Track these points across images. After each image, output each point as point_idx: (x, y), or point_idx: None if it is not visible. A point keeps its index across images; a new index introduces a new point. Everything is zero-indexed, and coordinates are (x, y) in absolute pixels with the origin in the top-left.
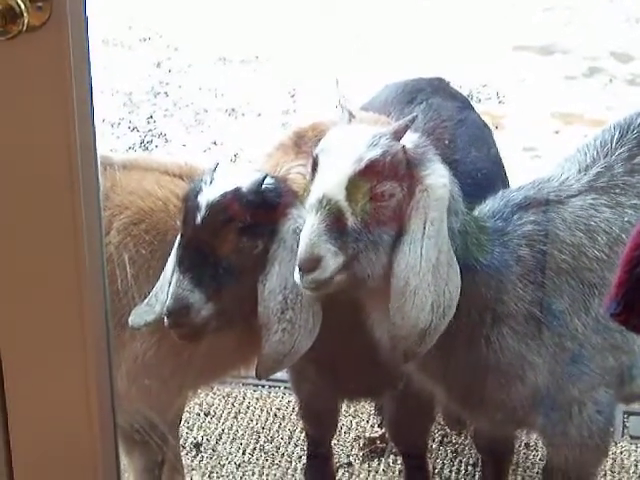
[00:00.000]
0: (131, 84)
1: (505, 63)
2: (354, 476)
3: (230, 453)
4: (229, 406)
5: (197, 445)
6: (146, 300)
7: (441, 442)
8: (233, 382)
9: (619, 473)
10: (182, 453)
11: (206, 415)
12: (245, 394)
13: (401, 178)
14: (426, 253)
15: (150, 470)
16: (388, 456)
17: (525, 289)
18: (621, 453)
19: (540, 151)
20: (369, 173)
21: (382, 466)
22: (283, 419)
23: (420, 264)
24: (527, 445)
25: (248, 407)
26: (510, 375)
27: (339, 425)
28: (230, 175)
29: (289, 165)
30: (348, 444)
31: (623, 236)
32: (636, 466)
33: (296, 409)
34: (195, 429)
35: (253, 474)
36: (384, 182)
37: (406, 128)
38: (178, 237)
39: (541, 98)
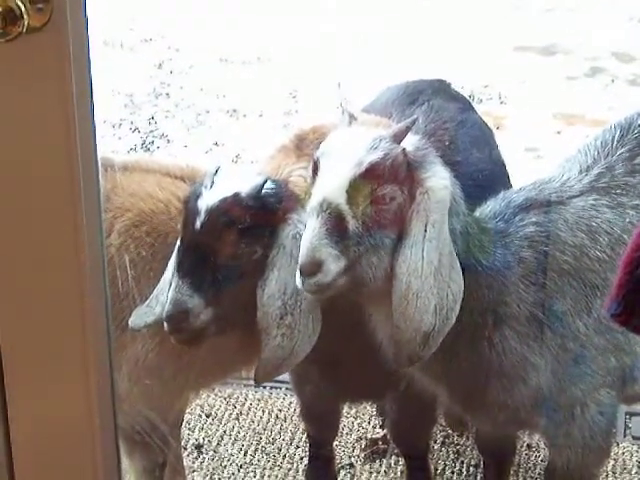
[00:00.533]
0: (132, 85)
1: (506, 64)
2: (356, 477)
3: (231, 454)
4: (230, 407)
5: (198, 446)
6: (146, 302)
7: (443, 443)
8: (234, 383)
9: (621, 474)
10: (183, 454)
11: (207, 416)
12: (247, 395)
13: (402, 181)
14: (428, 256)
15: (151, 471)
16: (390, 457)
17: (527, 290)
18: (623, 454)
19: (542, 151)
20: (370, 176)
21: (384, 467)
22: (285, 420)
23: (422, 267)
24: (529, 446)
25: (250, 408)
26: (512, 376)
27: (341, 426)
28: (230, 179)
29: (290, 168)
30: (350, 445)
31: (625, 237)
32: (638, 467)
33: (298, 410)
34: (196, 430)
35: (255, 475)
36: (385, 185)
37: (406, 131)
38: (178, 241)
39: (543, 98)
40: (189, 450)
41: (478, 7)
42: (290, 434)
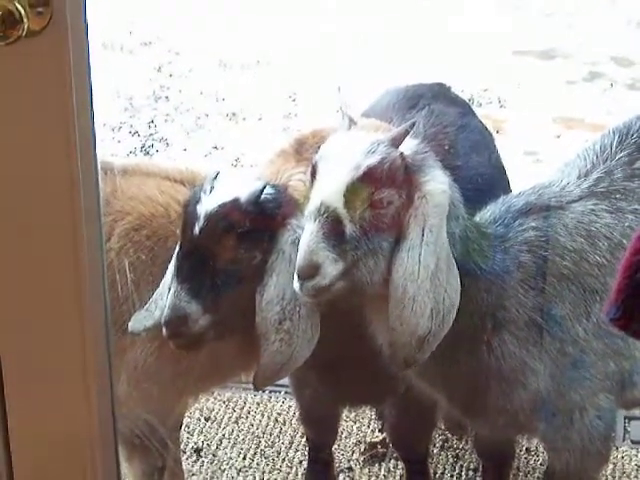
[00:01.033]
0: (132, 88)
1: (506, 68)
2: None
3: (231, 458)
4: (230, 411)
5: (198, 450)
6: (146, 306)
7: (442, 447)
8: (234, 387)
9: (620, 478)
10: (183, 458)
11: (207, 420)
12: (246, 399)
13: (399, 185)
14: (424, 260)
15: (150, 475)
16: (389, 461)
17: (526, 295)
18: (622, 458)
19: (541, 155)
20: (367, 180)
21: (383, 471)
22: (284, 424)
23: (418, 271)
24: (528, 450)
25: (249, 412)
26: (511, 381)
27: (340, 430)
28: (229, 184)
29: (290, 172)
30: (349, 449)
31: (624, 241)
32: (637, 471)
33: (297, 414)
34: (196, 434)
35: (254, 479)
36: (382, 189)
37: (405, 135)
38: (177, 246)
39: (542, 103)
40: (188, 454)
41: (477, 11)
42: (289, 438)
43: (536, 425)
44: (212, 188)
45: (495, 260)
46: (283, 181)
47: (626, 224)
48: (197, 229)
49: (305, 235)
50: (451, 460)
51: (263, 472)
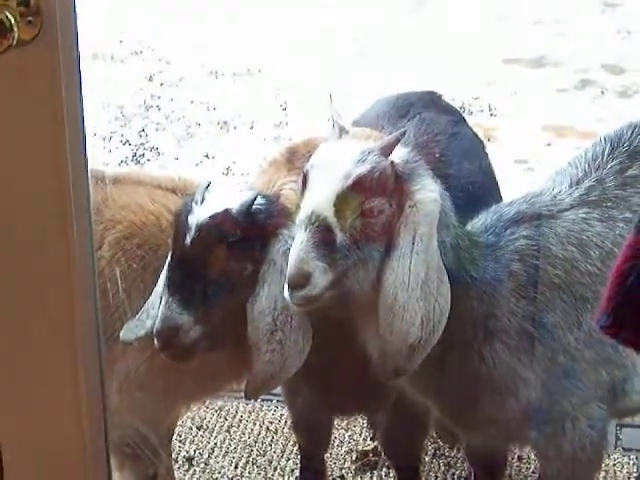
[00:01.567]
0: (123, 98)
1: (496, 76)
2: None
3: (223, 467)
4: (221, 420)
5: (189, 459)
6: (137, 315)
7: (434, 455)
8: (225, 396)
9: None
10: (174, 467)
11: (198, 429)
12: (237, 407)
13: (390, 194)
14: (415, 269)
15: None
16: (381, 469)
17: (517, 304)
18: (614, 465)
19: (532, 163)
20: (357, 189)
21: (375, 479)
22: (276, 433)
23: (408, 280)
24: (520, 458)
25: (240, 421)
26: (503, 390)
27: (332, 438)
28: (220, 195)
29: (282, 181)
30: (341, 457)
31: (615, 250)
32: (629, 478)
33: (289, 422)
34: (187, 443)
35: None
36: (372, 198)
37: (395, 144)
38: (169, 257)
39: (533, 111)
40: (180, 463)
41: (468, 19)
42: (281, 446)
43: (528, 434)
44: (203, 199)
45: (486, 269)
46: (275, 190)
47: (617, 232)
48: (188, 240)
49: (296, 244)
50: (443, 468)
51: None
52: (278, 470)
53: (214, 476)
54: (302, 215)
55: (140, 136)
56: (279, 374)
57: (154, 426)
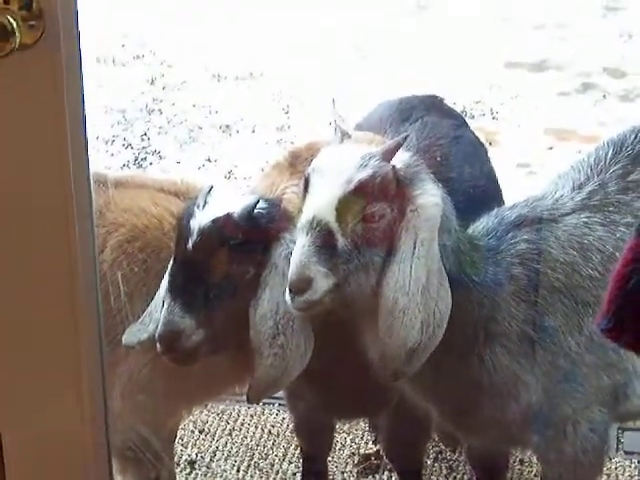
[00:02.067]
0: (125, 101)
1: (498, 80)
2: None
3: (224, 470)
4: (223, 423)
5: (191, 462)
6: (140, 319)
7: (435, 458)
8: (227, 399)
9: None
10: (176, 471)
11: (200, 432)
12: (239, 411)
13: (391, 199)
14: (415, 273)
15: None
16: (383, 473)
17: (518, 308)
18: (616, 469)
19: (534, 167)
20: (359, 194)
21: None
22: (277, 436)
23: (409, 284)
24: (522, 461)
25: (242, 424)
26: (503, 394)
27: (334, 442)
28: (223, 199)
29: (284, 185)
30: (342, 461)
31: (617, 254)
32: None
33: (291, 426)
34: (189, 446)
35: None
36: (374, 203)
37: (396, 148)
38: (171, 261)
39: (535, 114)
40: (182, 466)
41: (469, 23)
42: (283, 450)
43: (529, 438)
44: (206, 203)
45: (487, 273)
46: (278, 194)
47: (619, 236)
48: (190, 244)
49: (297, 248)
50: (445, 472)
51: None
52: (280, 474)
53: (216, 479)
54: (304, 219)
55: (142, 140)
56: (281, 378)
57: (156, 429)
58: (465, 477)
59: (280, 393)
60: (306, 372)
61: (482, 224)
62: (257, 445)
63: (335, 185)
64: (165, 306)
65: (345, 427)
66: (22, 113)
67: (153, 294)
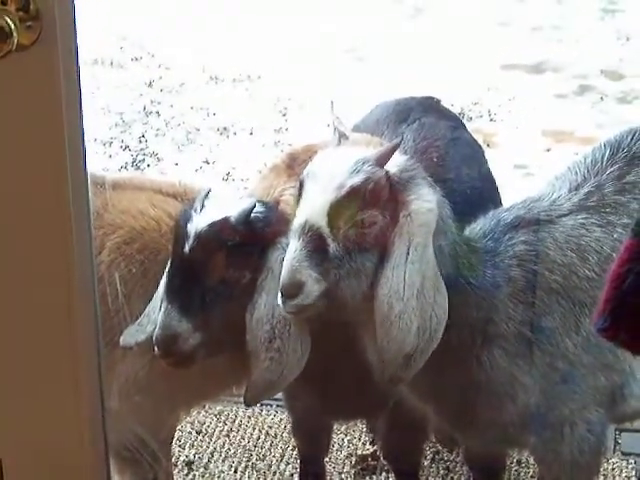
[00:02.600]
0: (123, 103)
1: (496, 81)
2: None
3: (222, 471)
4: (221, 424)
5: (189, 463)
6: (138, 320)
7: (433, 459)
8: (225, 400)
9: None
10: (174, 472)
11: (198, 433)
12: (237, 412)
13: (384, 205)
14: (409, 279)
15: None
16: (380, 474)
17: (516, 309)
18: (613, 470)
19: (531, 169)
20: (350, 200)
21: None
22: (275, 437)
23: (403, 290)
24: (519, 462)
25: (240, 425)
26: (501, 395)
27: (331, 443)
28: (220, 203)
29: (282, 187)
30: (340, 462)
31: (614, 255)
32: None
33: (288, 427)
34: (187, 447)
35: None
36: (366, 209)
37: (390, 153)
38: (168, 264)
39: (532, 116)
40: (179, 467)
41: (466, 25)
42: (280, 451)
43: (526, 439)
44: (203, 206)
45: (485, 275)
46: (275, 196)
47: (615, 237)
48: (187, 248)
49: (289, 253)
50: (442, 473)
51: None
52: (277, 475)
53: None
54: (296, 224)
55: (140, 141)
56: (277, 382)
57: (154, 430)
58: (462, 478)
59: (278, 395)
60: (304, 374)
61: (479, 226)
62: (255, 446)
63: (327, 190)
64: (162, 309)
65: (342, 428)
66: (19, 114)
67: (151, 295)
